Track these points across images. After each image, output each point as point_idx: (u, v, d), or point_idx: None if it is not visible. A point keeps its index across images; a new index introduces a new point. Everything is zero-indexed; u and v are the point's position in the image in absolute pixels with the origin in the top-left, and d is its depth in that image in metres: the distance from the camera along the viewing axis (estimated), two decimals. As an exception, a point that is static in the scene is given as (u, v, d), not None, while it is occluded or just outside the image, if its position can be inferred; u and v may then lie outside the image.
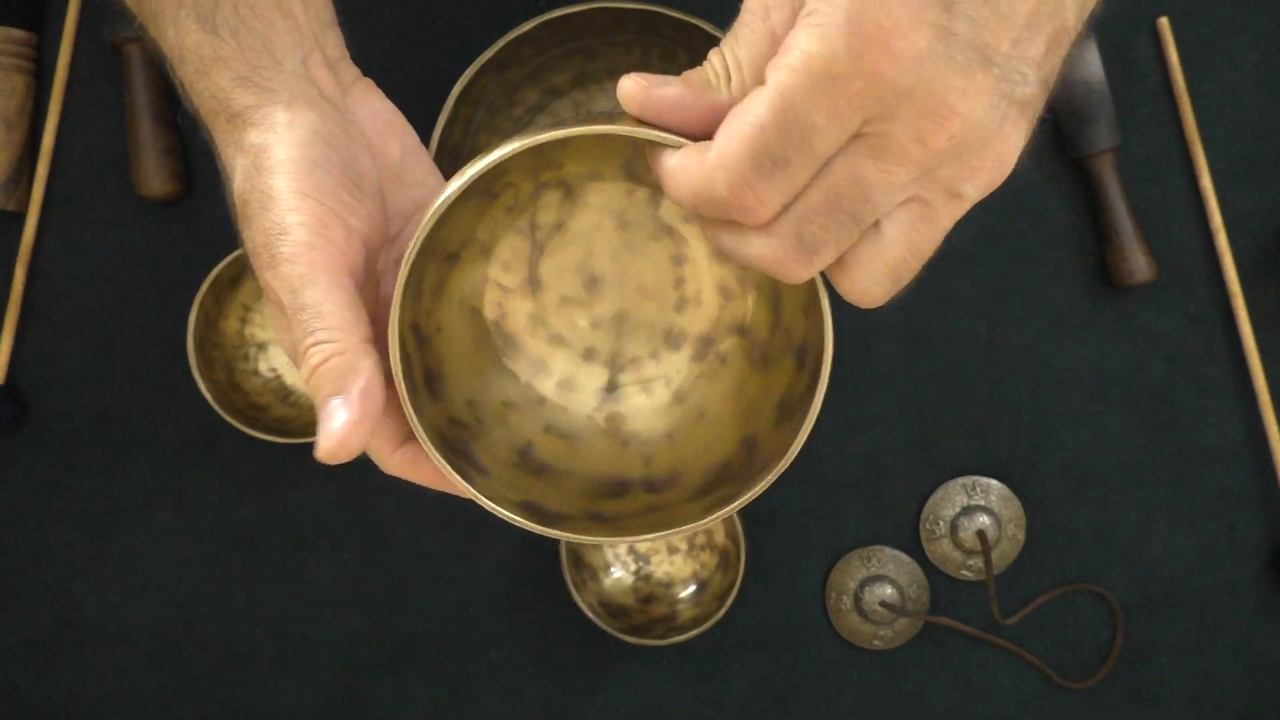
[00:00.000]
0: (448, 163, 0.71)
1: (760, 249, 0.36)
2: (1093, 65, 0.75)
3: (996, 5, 0.33)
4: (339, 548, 0.78)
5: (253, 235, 0.41)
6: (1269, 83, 0.77)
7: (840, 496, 0.78)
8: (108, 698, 0.79)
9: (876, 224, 0.36)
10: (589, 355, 0.46)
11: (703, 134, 0.37)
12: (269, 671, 0.79)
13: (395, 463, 0.43)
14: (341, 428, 0.38)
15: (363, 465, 0.78)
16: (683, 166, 0.36)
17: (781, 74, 0.33)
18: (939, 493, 0.78)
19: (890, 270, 0.37)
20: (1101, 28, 0.77)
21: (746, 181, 0.34)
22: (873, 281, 0.37)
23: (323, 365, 0.38)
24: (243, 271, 0.75)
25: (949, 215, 0.37)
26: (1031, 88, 0.35)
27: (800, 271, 0.36)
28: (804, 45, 0.33)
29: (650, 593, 0.78)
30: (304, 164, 0.41)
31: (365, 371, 0.39)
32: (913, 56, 0.33)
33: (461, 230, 0.44)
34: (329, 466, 0.78)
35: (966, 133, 0.34)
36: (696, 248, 0.46)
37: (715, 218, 0.36)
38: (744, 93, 0.36)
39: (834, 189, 0.35)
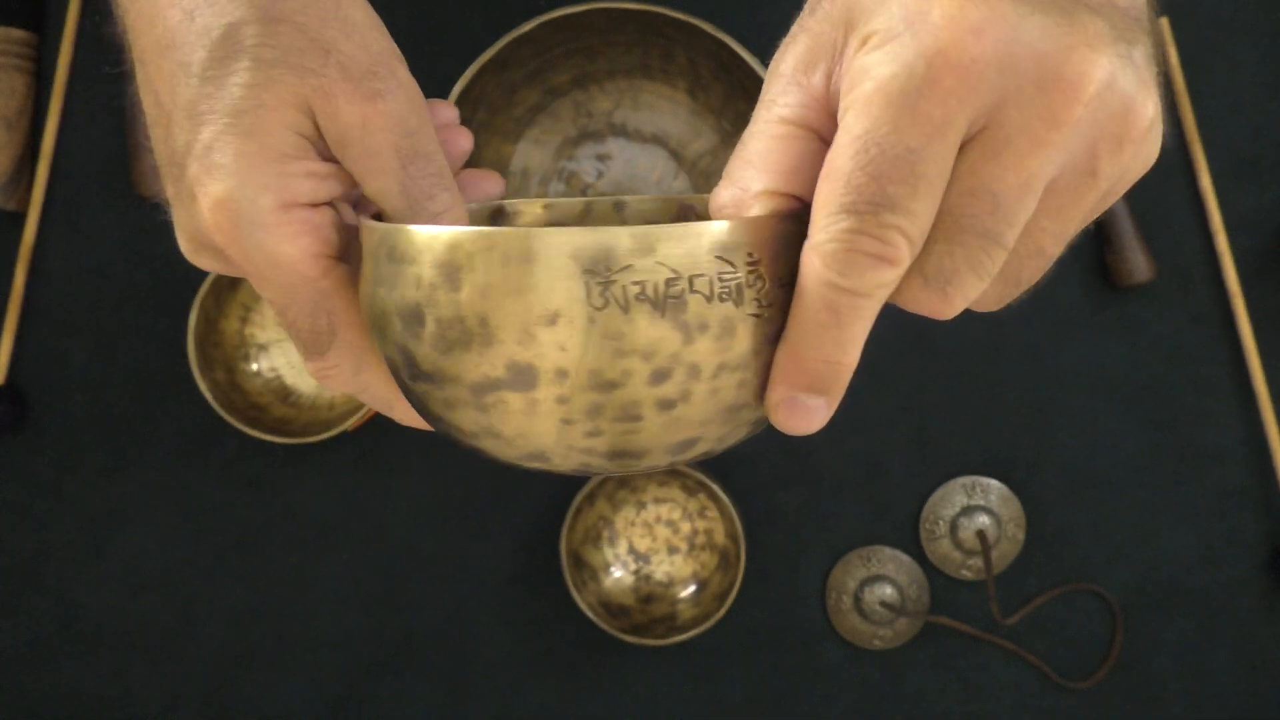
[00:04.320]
0: (448, 163, 0.71)
1: (894, 292, 0.31)
2: (1093, 65, 0.75)
3: None
4: (339, 548, 0.78)
5: (342, 59, 0.34)
6: (1269, 83, 0.77)
7: (840, 496, 0.78)
8: (108, 698, 0.79)
9: None
10: None
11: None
12: (269, 671, 0.79)
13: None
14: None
15: (362, 465, 0.78)
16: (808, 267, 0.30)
17: (853, 111, 0.28)
18: (939, 493, 0.78)
19: (1002, 277, 0.31)
20: (1101, 28, 0.77)
21: (856, 243, 0.28)
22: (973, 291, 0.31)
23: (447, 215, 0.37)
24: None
25: (1081, 203, 0.30)
26: (1144, 47, 0.29)
27: (941, 308, 0.30)
28: (873, 70, 0.28)
29: (650, 593, 0.78)
30: None
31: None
32: (1003, 25, 0.27)
33: None
34: (328, 466, 0.78)
35: (1104, 94, 0.28)
36: None
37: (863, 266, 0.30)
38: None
39: (948, 211, 0.29)
